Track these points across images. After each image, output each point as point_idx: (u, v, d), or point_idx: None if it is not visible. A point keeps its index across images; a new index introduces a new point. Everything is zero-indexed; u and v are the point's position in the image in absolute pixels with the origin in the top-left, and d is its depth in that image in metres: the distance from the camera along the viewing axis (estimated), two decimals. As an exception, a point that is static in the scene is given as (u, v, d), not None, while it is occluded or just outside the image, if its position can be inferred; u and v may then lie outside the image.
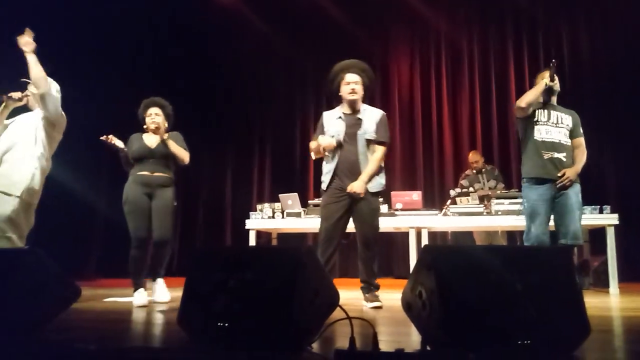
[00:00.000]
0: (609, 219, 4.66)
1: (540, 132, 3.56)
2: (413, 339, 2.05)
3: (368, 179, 3.42)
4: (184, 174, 4.10)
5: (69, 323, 2.57)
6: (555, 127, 3.60)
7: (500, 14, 7.34)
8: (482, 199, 5.29)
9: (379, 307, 3.28)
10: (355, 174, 3.42)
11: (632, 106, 6.46)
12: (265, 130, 7.86)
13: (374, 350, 1.53)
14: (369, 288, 3.43)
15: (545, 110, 3.62)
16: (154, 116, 3.87)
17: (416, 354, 1.59)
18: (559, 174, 3.46)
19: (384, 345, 1.70)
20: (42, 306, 2.15)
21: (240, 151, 7.92)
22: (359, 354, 1.52)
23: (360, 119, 3.51)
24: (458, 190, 5.64)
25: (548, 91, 3.61)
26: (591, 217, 4.65)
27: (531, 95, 3.57)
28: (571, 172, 3.47)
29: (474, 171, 6.12)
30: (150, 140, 3.86)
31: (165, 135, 3.81)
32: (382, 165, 3.57)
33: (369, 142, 3.47)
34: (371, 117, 3.53)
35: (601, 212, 4.69)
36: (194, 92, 7.61)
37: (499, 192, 5.44)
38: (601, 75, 6.72)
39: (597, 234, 5.11)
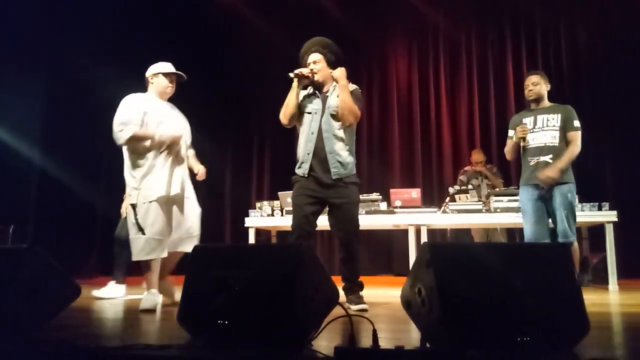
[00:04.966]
0: (608, 215, 4.67)
1: (527, 141, 3.78)
2: (412, 336, 2.05)
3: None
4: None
5: (69, 321, 2.57)
6: (541, 131, 3.77)
7: (498, 11, 7.34)
8: (487, 194, 5.33)
9: (365, 310, 2.99)
10: (322, 159, 3.13)
11: (630, 104, 6.48)
12: (264, 127, 7.85)
13: (373, 347, 1.53)
14: (353, 288, 3.15)
15: (532, 117, 3.82)
16: None
17: (416, 351, 1.60)
18: (540, 181, 3.65)
19: (384, 342, 1.70)
20: (42, 304, 2.16)
21: (239, 149, 7.92)
22: (359, 351, 1.52)
23: (326, 97, 3.23)
24: (457, 187, 5.66)
25: (533, 100, 3.86)
26: (590, 214, 4.66)
27: (510, 152, 3.94)
28: (549, 172, 3.60)
29: (473, 168, 6.14)
30: None
31: None
32: (354, 150, 3.27)
33: (334, 117, 3.17)
34: (336, 93, 3.21)
35: (600, 209, 4.70)
36: (192, 90, 7.59)
37: (497, 189, 5.46)
38: (599, 72, 6.72)
39: (596, 231, 5.12)
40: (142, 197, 3.30)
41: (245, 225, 5.37)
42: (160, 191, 3.33)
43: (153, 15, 7.28)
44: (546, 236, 3.70)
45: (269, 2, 7.70)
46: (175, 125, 3.49)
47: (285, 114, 3.26)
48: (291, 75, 3.21)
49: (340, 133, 3.18)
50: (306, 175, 3.18)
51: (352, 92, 3.19)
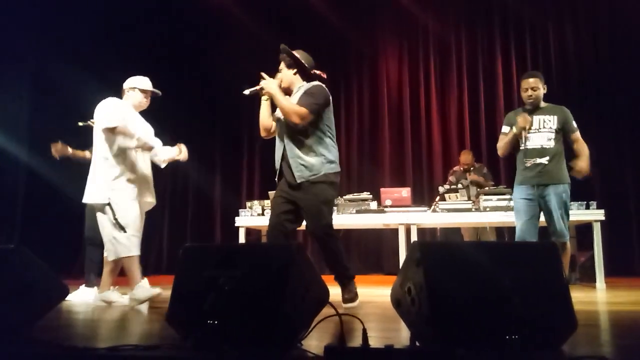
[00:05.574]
0: (595, 214, 4.71)
1: (528, 137, 3.73)
2: (402, 335, 2.06)
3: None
4: (173, 171, 4.05)
5: (57, 322, 2.55)
6: (537, 133, 3.75)
7: (488, 12, 7.38)
8: (476, 194, 5.36)
9: (354, 307, 3.07)
10: (288, 164, 3.15)
11: (617, 104, 6.55)
12: (254, 126, 7.80)
13: (363, 346, 1.53)
14: (342, 282, 3.21)
15: (529, 118, 3.78)
16: None
17: (405, 350, 1.60)
18: (578, 177, 3.72)
19: (374, 341, 1.70)
20: (29, 305, 2.13)
21: (229, 148, 7.89)
22: (348, 350, 1.52)
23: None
24: (447, 186, 5.69)
25: (532, 103, 3.79)
26: (578, 213, 4.70)
27: (504, 147, 3.84)
28: (581, 167, 3.69)
29: (461, 168, 6.19)
30: None
31: None
32: (324, 150, 3.17)
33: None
34: (299, 93, 3.21)
35: (587, 208, 4.74)
36: (182, 89, 7.56)
37: (487, 188, 5.49)
38: (587, 73, 6.79)
39: (583, 230, 5.16)
40: (122, 195, 3.33)
41: (236, 224, 5.35)
42: (141, 192, 3.42)
43: (141, 17, 7.24)
44: (535, 235, 3.74)
45: (258, 2, 7.67)
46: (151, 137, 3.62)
47: (261, 128, 3.40)
48: (245, 92, 3.24)
49: (300, 136, 3.15)
50: (279, 179, 3.28)
51: (307, 91, 3.18)
